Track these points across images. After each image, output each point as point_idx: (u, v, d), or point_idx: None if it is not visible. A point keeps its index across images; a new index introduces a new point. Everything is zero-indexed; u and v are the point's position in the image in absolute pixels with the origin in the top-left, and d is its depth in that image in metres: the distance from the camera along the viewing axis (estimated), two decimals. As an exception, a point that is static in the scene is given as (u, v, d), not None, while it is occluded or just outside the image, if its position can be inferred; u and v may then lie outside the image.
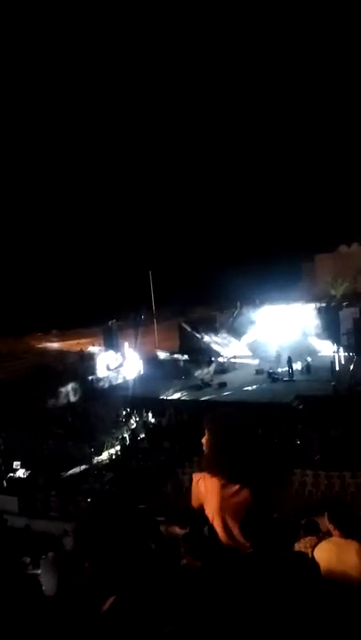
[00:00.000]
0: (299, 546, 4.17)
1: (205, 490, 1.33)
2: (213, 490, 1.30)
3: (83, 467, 18.50)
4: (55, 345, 34.91)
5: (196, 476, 1.35)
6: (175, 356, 29.53)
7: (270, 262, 41.82)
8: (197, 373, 27.86)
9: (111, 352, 30.63)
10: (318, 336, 28.78)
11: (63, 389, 26.05)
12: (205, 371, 27.70)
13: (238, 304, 35.04)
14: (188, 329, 31.32)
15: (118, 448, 20.02)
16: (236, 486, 1.27)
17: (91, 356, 31.87)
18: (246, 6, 65.76)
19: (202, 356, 29.70)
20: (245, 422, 1.33)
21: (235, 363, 29.42)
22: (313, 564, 3.01)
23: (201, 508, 1.37)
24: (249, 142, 69.78)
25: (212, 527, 1.36)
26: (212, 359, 28.82)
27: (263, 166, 65.71)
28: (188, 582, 1.26)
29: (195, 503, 1.38)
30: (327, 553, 3.10)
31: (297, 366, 26.28)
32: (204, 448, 1.38)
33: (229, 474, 1.25)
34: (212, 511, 1.32)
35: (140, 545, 1.53)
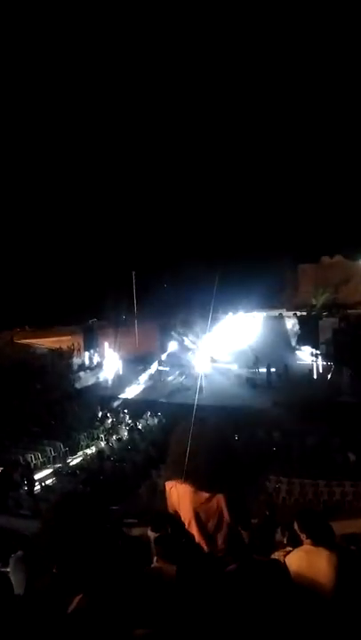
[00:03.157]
0: (278, 554, 4.18)
1: (178, 497, 1.29)
2: (186, 496, 1.27)
3: (57, 465, 18.32)
4: (34, 342, 34.48)
5: (168, 485, 1.32)
6: (160, 368, 29.34)
7: (254, 270, 42.06)
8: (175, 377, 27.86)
9: (91, 351, 30.46)
10: (298, 344, 29.06)
11: (40, 387, 25.77)
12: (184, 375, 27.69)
13: (219, 310, 35.18)
14: (170, 331, 31.32)
15: (93, 448, 19.87)
16: (207, 494, 1.23)
17: (70, 355, 31.62)
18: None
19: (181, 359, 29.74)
20: (219, 432, 1.29)
21: (213, 367, 29.49)
22: (284, 569, 3.03)
23: (177, 515, 1.34)
24: (235, 151, 70.24)
25: (187, 532, 1.33)
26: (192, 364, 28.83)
27: (249, 175, 66.17)
28: (160, 584, 1.24)
29: (171, 510, 1.35)
30: (298, 560, 3.12)
31: (275, 373, 26.45)
32: (173, 454, 1.35)
33: (200, 482, 1.21)
34: (187, 517, 1.29)
35: (106, 546, 1.51)
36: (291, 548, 4.30)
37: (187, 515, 1.16)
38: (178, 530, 1.19)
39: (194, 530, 1.18)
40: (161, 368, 29.34)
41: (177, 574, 1.26)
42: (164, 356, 30.20)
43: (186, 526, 1.26)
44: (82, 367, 29.16)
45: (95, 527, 1.50)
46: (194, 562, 1.19)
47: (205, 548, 1.20)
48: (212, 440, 1.15)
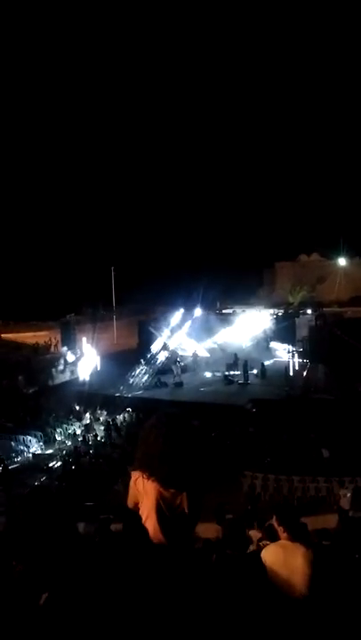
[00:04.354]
0: (254, 549, 4.21)
1: (143, 490, 1.31)
2: (150, 492, 1.29)
3: (32, 461, 18.14)
4: (10, 337, 34.01)
5: (134, 475, 1.33)
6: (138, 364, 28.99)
7: (232, 266, 42.31)
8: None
9: (68, 346, 30.16)
10: (275, 341, 29.26)
11: (15, 382, 25.43)
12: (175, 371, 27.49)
13: (198, 306, 35.23)
14: (149, 327, 31.15)
15: (70, 444, 19.73)
16: (172, 490, 1.26)
17: (46, 350, 31.26)
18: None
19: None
20: (189, 425, 1.31)
21: (192, 363, 29.48)
22: (258, 564, 3.05)
23: (136, 507, 1.36)
24: (218, 151, 70.32)
25: (143, 526, 1.35)
26: (178, 360, 28.65)
27: (230, 172, 66.35)
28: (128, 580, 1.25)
29: (131, 501, 1.37)
30: (274, 555, 3.12)
31: (252, 370, 26.60)
32: (142, 446, 1.36)
33: (167, 479, 1.23)
34: (146, 511, 1.31)
35: (75, 541, 1.51)
36: (268, 543, 4.33)
37: (147, 506, 1.16)
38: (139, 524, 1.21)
39: (150, 525, 1.18)
40: (139, 364, 29.21)
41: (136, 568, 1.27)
42: (142, 353, 30.05)
43: (143, 520, 1.26)
44: (59, 363, 28.86)
45: (65, 522, 1.49)
46: (146, 556, 1.21)
47: (160, 540, 1.20)
48: (178, 434, 1.15)
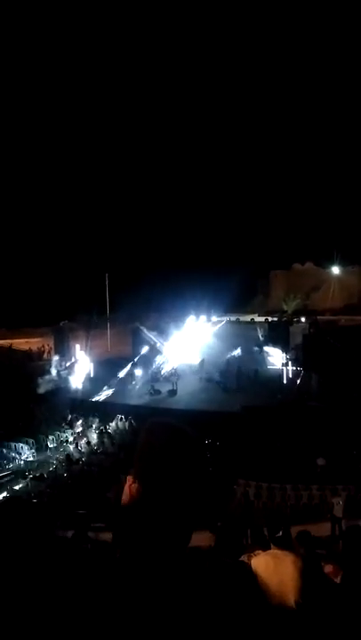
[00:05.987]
0: (245, 557, 4.17)
1: (131, 495, 1.28)
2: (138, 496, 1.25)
3: (24, 469, 17.95)
4: (2, 342, 33.82)
5: (129, 480, 1.30)
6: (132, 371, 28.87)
7: (227, 275, 42.42)
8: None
9: (61, 353, 30.02)
10: (268, 349, 29.29)
11: (7, 388, 25.22)
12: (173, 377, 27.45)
13: (192, 313, 35.29)
14: (144, 334, 31.12)
15: (62, 451, 19.57)
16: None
17: (39, 356, 31.10)
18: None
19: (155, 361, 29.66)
20: (181, 433, 1.28)
21: (185, 370, 29.42)
22: (250, 573, 3.02)
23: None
24: (213, 159, 70.78)
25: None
26: (174, 369, 28.58)
27: (225, 182, 66.76)
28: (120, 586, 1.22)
29: (123, 501, 1.34)
30: (265, 564, 3.11)
31: (246, 377, 26.57)
32: (137, 454, 1.33)
33: (152, 484, 1.20)
34: None
35: (54, 548, 1.47)
36: (259, 551, 4.31)
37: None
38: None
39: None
40: (133, 371, 29.14)
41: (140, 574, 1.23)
42: (135, 359, 29.99)
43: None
44: (51, 369, 28.69)
45: (43, 530, 1.44)
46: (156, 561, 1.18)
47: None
48: (166, 439, 1.14)
